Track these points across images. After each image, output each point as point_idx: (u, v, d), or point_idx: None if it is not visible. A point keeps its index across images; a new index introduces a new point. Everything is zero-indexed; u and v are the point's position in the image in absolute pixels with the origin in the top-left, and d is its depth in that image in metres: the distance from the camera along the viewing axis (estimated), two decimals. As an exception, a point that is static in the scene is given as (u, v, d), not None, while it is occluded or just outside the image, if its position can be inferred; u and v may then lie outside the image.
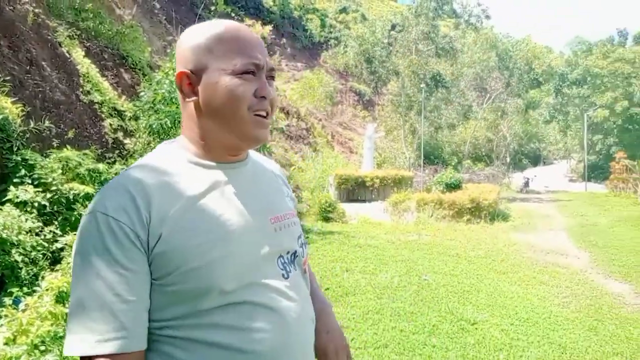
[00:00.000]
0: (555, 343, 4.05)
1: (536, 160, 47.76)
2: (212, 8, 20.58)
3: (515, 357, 3.63)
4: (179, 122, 7.47)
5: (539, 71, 28.40)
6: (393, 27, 22.49)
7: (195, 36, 0.92)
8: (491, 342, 3.87)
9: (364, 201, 15.57)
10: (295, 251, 0.99)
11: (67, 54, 8.23)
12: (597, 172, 34.89)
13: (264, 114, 0.92)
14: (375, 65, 22.11)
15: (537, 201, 21.01)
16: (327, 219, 11.51)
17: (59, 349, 2.25)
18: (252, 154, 1.09)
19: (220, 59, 0.89)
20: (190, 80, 0.90)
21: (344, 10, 41.64)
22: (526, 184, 26.49)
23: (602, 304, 5.44)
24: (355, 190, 16.00)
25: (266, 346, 0.85)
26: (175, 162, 0.91)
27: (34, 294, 2.94)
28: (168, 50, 9.70)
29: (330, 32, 35.03)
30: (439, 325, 4.14)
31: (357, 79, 28.44)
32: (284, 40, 31.57)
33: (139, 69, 10.74)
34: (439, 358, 3.44)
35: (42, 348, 2.22)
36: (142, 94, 7.97)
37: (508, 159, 30.22)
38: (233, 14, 21.89)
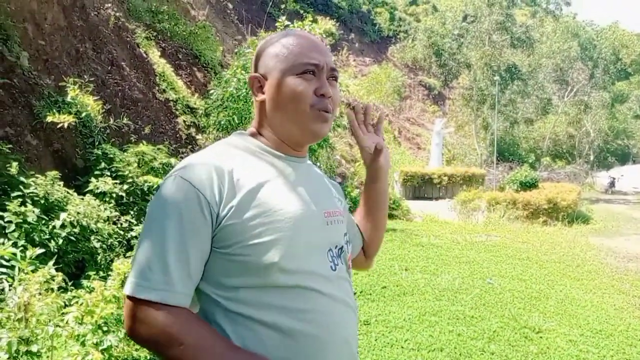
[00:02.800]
0: (632, 359, 3.72)
1: (624, 158, 43.90)
2: (282, 6, 20.96)
3: (583, 371, 3.38)
4: (246, 118, 7.69)
5: (627, 61, 25.99)
6: (465, 17, 21.64)
7: (265, 44, 1.06)
8: (556, 353, 3.62)
9: (430, 199, 15.20)
10: (342, 246, 1.05)
11: (144, 55, 8.76)
12: (698, 171, 31.37)
13: (325, 109, 1.00)
14: (445, 58, 21.41)
15: (623, 203, 19.40)
16: (390, 216, 11.36)
17: (120, 331, 2.41)
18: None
19: (283, 62, 1.01)
20: (260, 82, 1.04)
21: (414, 2, 40.65)
22: (612, 184, 24.49)
23: (693, 319, 4.91)
24: (421, 187, 15.66)
25: (317, 327, 0.92)
26: (249, 148, 1.02)
27: (109, 277, 3.17)
28: (236, 50, 10.05)
29: (400, 26, 34.35)
30: (500, 331, 3.94)
31: (427, 73, 27.72)
32: (352, 35, 31.41)
33: (211, 68, 11.20)
34: (497, 366, 3.28)
35: (105, 329, 2.40)
36: (211, 92, 8.31)
37: (592, 157, 28.12)
38: (302, 11, 22.15)
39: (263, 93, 1.03)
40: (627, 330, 4.36)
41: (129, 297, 0.86)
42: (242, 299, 0.90)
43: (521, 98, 21.90)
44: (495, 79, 19.51)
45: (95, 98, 5.75)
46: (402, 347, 3.43)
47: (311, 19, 9.21)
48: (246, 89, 7.33)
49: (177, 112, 8.69)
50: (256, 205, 0.91)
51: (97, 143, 5.42)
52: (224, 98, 7.68)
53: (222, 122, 7.52)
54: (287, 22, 8.72)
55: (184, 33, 10.91)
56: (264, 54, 1.05)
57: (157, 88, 8.52)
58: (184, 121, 8.71)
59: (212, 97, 8.40)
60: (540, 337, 3.94)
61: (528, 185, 14.45)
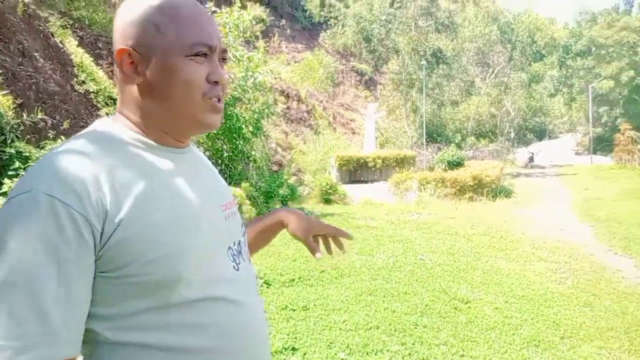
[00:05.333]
0: (550, 320, 4.06)
1: (541, 134, 47.36)
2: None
3: (507, 335, 3.65)
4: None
5: (541, 44, 27.87)
6: (392, 3, 22.13)
7: (139, 9, 0.81)
8: (483, 320, 3.89)
9: (366, 182, 15.57)
10: (240, 241, 0.94)
11: (60, 44, 8.19)
12: (603, 144, 34.50)
13: (218, 98, 0.85)
14: (374, 44, 21.86)
15: (541, 176, 20.93)
16: (328, 201, 11.54)
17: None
18: None
19: (170, 37, 0.80)
20: (133, 59, 0.80)
21: (343, -13, 40.81)
22: (531, 159, 26.39)
23: (600, 279, 5.44)
24: (357, 171, 15.99)
25: (227, 340, 0.82)
26: (125, 141, 0.81)
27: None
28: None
29: (330, 12, 34.51)
30: (431, 305, 4.16)
31: (358, 59, 28.13)
32: (283, 21, 31.14)
33: (135, 56, 10.68)
34: (429, 338, 3.46)
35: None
36: (135, 81, 7.94)
37: (512, 135, 30.00)
38: (229, -4, 21.65)
39: (138, 74, 0.80)
40: (545, 294, 4.76)
41: None
42: (138, 325, 0.74)
43: (447, 81, 22.89)
44: (422, 64, 20.19)
45: (5, 92, 5.33)
46: (340, 329, 3.52)
47: (240, 4, 9.02)
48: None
49: (100, 105, 8.24)
50: (148, 213, 0.74)
51: (9, 141, 5.03)
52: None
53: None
54: (214, 8, 8.50)
55: (104, 21, 10.31)
56: (137, 21, 0.80)
57: (75, 80, 8.02)
58: (107, 114, 8.29)
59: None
60: (469, 307, 4.20)
61: (455, 164, 15.22)
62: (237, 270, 0.89)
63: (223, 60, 0.88)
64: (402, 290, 4.49)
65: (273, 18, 29.33)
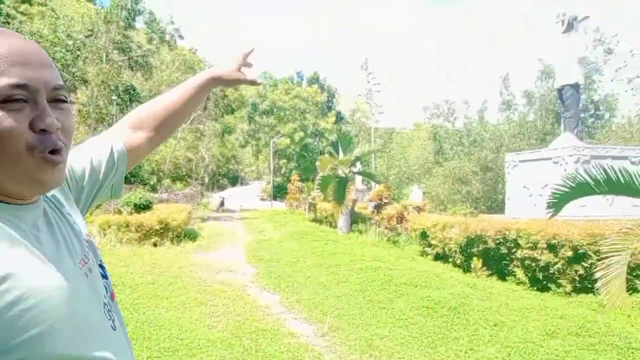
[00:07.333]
0: (188, 370, 4.03)
1: (235, 180, 51.65)
2: None
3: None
4: None
5: (232, 98, 30.76)
6: (81, 30, 20.42)
7: None
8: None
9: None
10: (106, 296, 0.87)
11: None
12: (281, 192, 40.13)
13: (52, 148, 0.72)
14: (58, 69, 19.58)
15: (229, 219, 22.41)
16: None
17: None
18: None
19: None
20: None
21: (27, 0, 35.75)
22: (222, 203, 28.12)
23: (247, 319, 5.86)
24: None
25: None
26: None
27: None
28: None
29: (8, 23, 29.42)
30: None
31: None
32: None
33: None
34: None
35: None
36: None
37: (207, 179, 31.49)
38: None
39: None
40: (192, 342, 4.77)
41: None
42: None
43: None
44: (113, 99, 19.14)
45: None
46: None
47: None
48: None
49: None
50: (7, 287, 0.63)
51: None
52: None
53: None
54: None
55: None
56: None
57: None
58: None
59: None
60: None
61: (142, 207, 14.68)
62: (115, 329, 0.83)
63: (60, 100, 0.76)
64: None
65: None
